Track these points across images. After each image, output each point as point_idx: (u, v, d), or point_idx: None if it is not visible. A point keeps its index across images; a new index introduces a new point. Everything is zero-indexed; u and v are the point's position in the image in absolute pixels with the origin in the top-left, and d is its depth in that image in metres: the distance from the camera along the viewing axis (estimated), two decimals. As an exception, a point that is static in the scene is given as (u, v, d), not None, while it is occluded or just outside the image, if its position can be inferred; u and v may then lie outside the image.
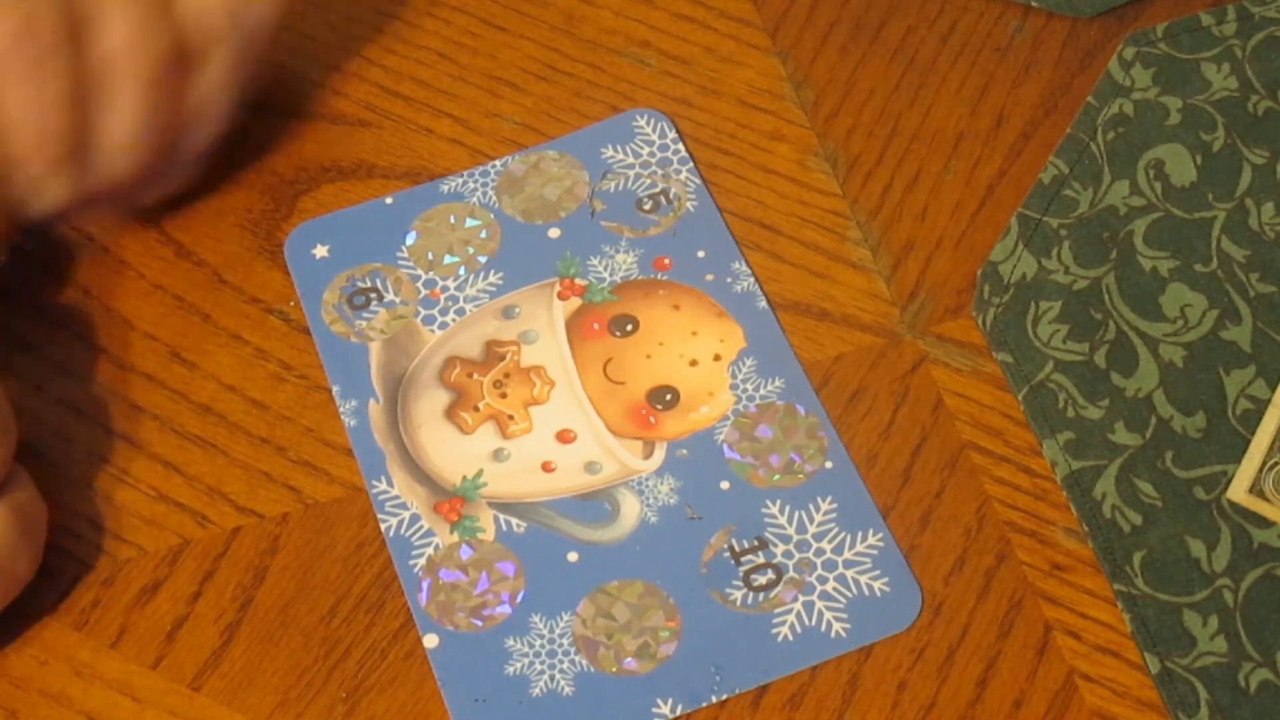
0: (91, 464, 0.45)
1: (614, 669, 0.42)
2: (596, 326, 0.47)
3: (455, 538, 0.44)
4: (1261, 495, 0.43)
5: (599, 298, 0.47)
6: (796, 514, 0.44)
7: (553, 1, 0.53)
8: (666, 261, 0.48)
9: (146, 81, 0.44)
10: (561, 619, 0.42)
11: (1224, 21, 0.51)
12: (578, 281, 0.48)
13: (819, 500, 0.44)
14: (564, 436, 0.45)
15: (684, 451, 0.45)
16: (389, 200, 0.49)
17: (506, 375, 0.46)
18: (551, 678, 0.42)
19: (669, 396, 0.46)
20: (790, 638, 0.42)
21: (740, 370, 0.46)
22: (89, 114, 0.43)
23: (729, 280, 0.47)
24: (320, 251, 0.49)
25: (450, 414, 0.46)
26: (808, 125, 0.50)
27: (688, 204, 0.49)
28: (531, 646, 0.42)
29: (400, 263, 0.48)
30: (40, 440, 0.45)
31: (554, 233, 0.49)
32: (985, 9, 0.53)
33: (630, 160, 0.50)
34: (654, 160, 0.50)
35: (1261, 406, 0.44)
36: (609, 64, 0.52)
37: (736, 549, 0.43)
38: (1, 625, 0.42)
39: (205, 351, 0.47)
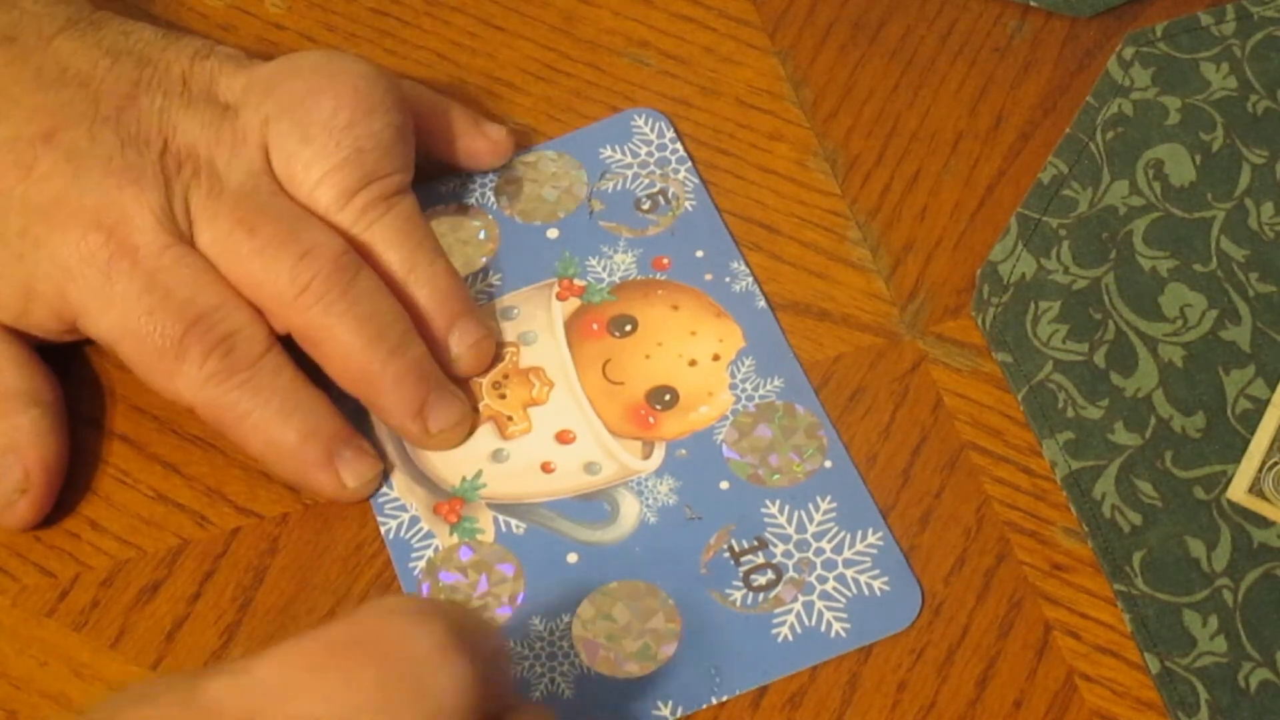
0: (91, 464, 0.45)
1: (614, 671, 0.42)
2: (595, 327, 0.47)
3: (455, 539, 0.44)
4: (1261, 495, 0.43)
5: (598, 298, 0.47)
6: (796, 514, 0.44)
7: (552, 1, 0.53)
8: (665, 261, 0.48)
9: None
10: (561, 621, 0.42)
11: (1223, 21, 0.51)
12: (576, 282, 0.48)
13: (818, 500, 0.44)
14: (563, 437, 0.45)
15: (683, 452, 0.45)
16: (388, 201, 0.49)
17: (505, 376, 0.46)
18: (551, 680, 0.41)
19: (668, 397, 0.46)
20: (790, 638, 0.42)
21: (739, 370, 0.46)
22: None
23: (728, 280, 0.47)
24: (319, 252, 0.49)
25: (450, 414, 0.46)
26: (807, 125, 0.50)
27: (686, 204, 0.49)
28: (531, 649, 0.42)
29: (399, 263, 0.48)
30: (39, 441, 0.45)
31: (552, 233, 0.49)
32: (984, 9, 0.53)
33: (629, 160, 0.50)
34: (653, 160, 0.50)
35: (1261, 406, 0.44)
36: (608, 64, 0.52)
37: (736, 549, 0.43)
38: (0, 625, 0.42)
39: (204, 352, 0.47)
